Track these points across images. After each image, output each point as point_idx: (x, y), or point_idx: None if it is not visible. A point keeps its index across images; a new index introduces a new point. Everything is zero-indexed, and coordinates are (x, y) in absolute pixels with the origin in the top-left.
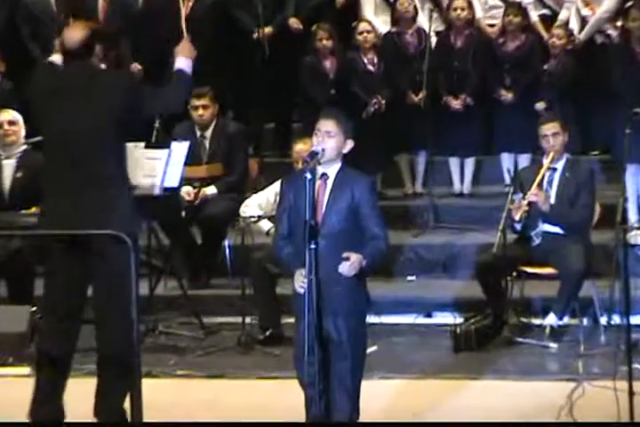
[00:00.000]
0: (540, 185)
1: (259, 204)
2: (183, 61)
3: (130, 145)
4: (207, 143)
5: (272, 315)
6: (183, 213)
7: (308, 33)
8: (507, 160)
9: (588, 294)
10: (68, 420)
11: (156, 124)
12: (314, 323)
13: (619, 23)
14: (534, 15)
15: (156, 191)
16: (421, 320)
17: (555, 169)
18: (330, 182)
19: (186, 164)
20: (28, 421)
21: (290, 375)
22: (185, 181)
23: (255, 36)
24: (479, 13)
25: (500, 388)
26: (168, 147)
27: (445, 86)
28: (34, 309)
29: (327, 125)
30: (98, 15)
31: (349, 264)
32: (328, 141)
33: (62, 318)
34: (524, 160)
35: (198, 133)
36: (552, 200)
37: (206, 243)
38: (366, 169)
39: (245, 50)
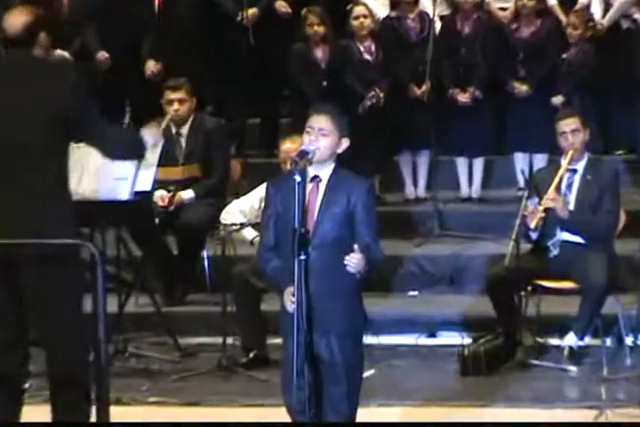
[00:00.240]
0: (557, 189)
1: (241, 210)
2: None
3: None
4: (183, 142)
5: (256, 335)
6: (156, 221)
7: (297, 17)
8: (520, 161)
9: (612, 312)
10: None
11: (126, 120)
12: (304, 343)
13: None
14: None
15: (126, 195)
16: (424, 341)
17: (574, 170)
18: (322, 186)
19: (159, 165)
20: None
21: (277, 403)
22: (158, 183)
23: (238, 19)
24: None
25: (513, 416)
26: None
27: (451, 78)
28: None
29: (320, 122)
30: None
31: (357, 258)
32: (321, 140)
33: (8, 345)
34: (540, 161)
35: (173, 130)
36: (571, 206)
37: (182, 254)
38: (362, 170)
39: (227, 35)
